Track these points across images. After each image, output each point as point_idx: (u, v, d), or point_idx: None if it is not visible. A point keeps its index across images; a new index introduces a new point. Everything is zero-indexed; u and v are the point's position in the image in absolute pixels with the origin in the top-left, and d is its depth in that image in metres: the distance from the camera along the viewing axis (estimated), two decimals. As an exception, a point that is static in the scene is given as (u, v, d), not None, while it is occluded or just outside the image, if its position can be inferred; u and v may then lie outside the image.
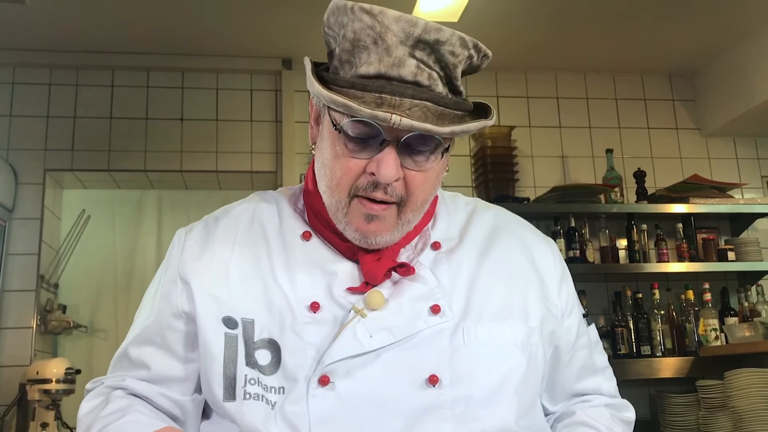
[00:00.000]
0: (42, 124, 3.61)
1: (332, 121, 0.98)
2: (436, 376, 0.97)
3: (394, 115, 0.90)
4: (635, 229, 3.62)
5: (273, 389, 0.98)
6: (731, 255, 3.64)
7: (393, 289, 1.02)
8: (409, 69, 0.93)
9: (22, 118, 3.61)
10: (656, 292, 3.53)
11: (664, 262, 3.60)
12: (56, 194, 3.78)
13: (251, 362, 1.00)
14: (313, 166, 1.08)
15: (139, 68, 3.72)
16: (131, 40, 3.54)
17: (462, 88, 1.00)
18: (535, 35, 3.59)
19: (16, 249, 3.46)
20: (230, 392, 1.00)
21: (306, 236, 1.08)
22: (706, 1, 3.29)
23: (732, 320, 3.49)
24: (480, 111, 1.03)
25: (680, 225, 3.71)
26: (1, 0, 3.04)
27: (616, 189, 3.71)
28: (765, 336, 3.17)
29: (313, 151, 1.07)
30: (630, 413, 1.18)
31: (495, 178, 3.62)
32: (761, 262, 3.66)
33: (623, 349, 3.46)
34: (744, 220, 3.86)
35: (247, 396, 0.98)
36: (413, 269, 1.03)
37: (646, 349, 3.46)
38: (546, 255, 1.15)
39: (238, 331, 1.01)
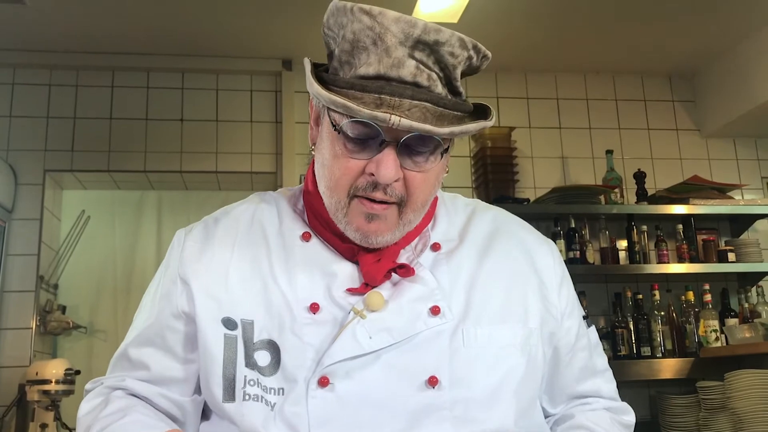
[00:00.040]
0: (42, 124, 3.61)
1: (332, 122, 0.98)
2: (436, 378, 0.97)
3: (393, 116, 0.90)
4: (635, 230, 3.62)
5: (272, 390, 0.98)
6: (731, 256, 3.64)
7: (393, 290, 1.02)
8: (408, 70, 0.93)
9: (22, 118, 3.61)
10: (656, 293, 3.53)
11: (665, 263, 3.60)
12: (56, 195, 3.78)
13: (251, 363, 1.00)
14: (313, 166, 1.08)
15: (139, 69, 3.72)
16: (131, 40, 3.54)
17: (461, 89, 1.00)
18: (535, 36, 3.59)
19: (15, 249, 3.46)
20: (230, 393, 1.00)
21: (306, 237, 1.08)
22: (706, 3, 3.29)
23: (732, 321, 3.49)
24: (480, 112, 1.03)
25: (680, 226, 3.71)
26: (1, 1, 3.04)
27: (616, 190, 3.71)
28: (765, 337, 3.17)
29: (313, 152, 1.07)
30: (630, 416, 1.18)
31: (495, 179, 3.62)
32: (761, 263, 3.66)
33: (623, 350, 3.46)
34: (744, 221, 3.86)
35: (247, 397, 0.98)
36: (413, 270, 1.03)
37: (646, 350, 3.46)
38: (546, 256, 1.15)
39: (238, 332, 1.01)
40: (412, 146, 0.96)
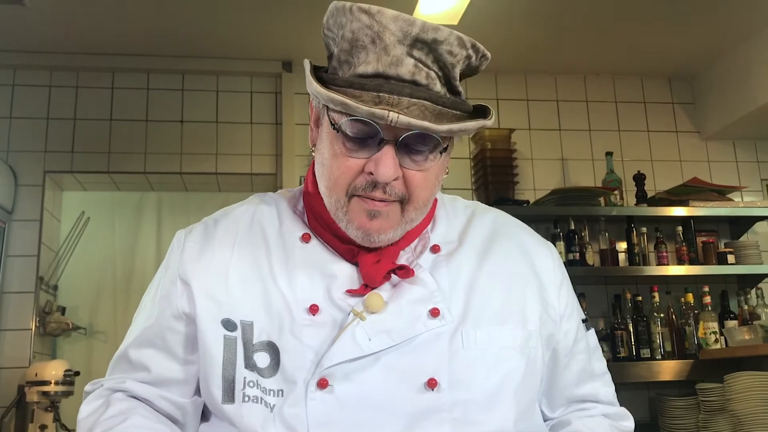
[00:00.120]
0: (42, 125, 3.62)
1: (331, 121, 0.98)
2: (435, 380, 0.97)
3: (391, 113, 0.90)
4: (635, 232, 3.62)
5: (272, 392, 0.98)
6: (731, 258, 3.64)
7: (392, 291, 1.02)
8: (407, 68, 0.94)
9: (22, 119, 3.61)
10: (656, 295, 3.53)
11: (664, 265, 3.60)
12: (56, 196, 3.78)
13: (250, 365, 1.00)
14: (313, 168, 1.08)
15: (139, 70, 3.72)
16: (131, 42, 3.55)
17: (461, 89, 1.00)
18: (535, 38, 3.60)
19: (15, 251, 3.46)
20: (229, 395, 1.00)
21: (305, 238, 1.08)
22: (706, 4, 3.29)
23: (732, 323, 3.49)
24: (479, 113, 1.03)
25: (680, 228, 3.71)
26: (1, 2, 3.04)
27: (616, 192, 3.71)
28: (765, 339, 3.17)
29: (314, 154, 1.07)
30: (628, 422, 1.17)
31: (495, 181, 3.62)
32: (761, 265, 3.66)
33: (623, 352, 3.45)
34: (744, 224, 3.86)
35: (246, 398, 0.98)
36: (413, 271, 1.03)
37: (645, 352, 3.46)
38: (545, 258, 1.15)
39: (237, 334, 1.01)
40: (411, 145, 0.96)
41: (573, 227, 3.55)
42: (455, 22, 3.19)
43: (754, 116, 3.68)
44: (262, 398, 0.98)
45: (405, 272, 1.03)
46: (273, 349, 1.00)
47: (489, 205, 1.23)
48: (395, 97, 0.93)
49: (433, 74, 0.96)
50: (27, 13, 3.17)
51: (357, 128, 0.95)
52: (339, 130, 0.96)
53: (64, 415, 3.23)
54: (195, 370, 1.06)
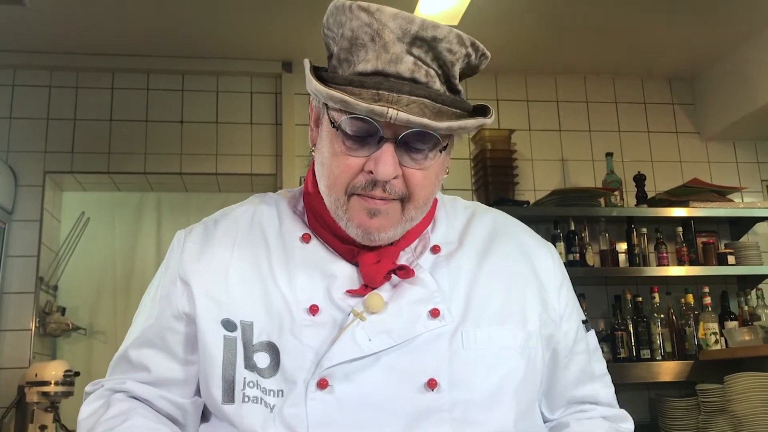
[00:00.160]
0: (42, 126, 3.62)
1: (330, 120, 0.98)
2: (435, 380, 0.97)
3: (390, 110, 0.90)
4: (635, 233, 3.62)
5: (272, 392, 0.98)
6: (731, 259, 3.64)
7: (392, 292, 1.02)
8: (406, 66, 0.94)
9: (22, 120, 3.61)
10: (656, 295, 3.53)
11: (664, 265, 3.60)
12: (56, 196, 3.78)
13: (250, 365, 1.00)
14: (314, 168, 1.08)
15: (139, 71, 3.72)
16: (131, 42, 3.55)
17: (460, 88, 1.00)
18: (535, 38, 3.60)
19: (15, 251, 3.46)
20: (229, 395, 1.00)
21: (305, 238, 1.08)
22: (706, 5, 3.29)
23: (732, 324, 3.49)
24: (479, 113, 1.03)
25: (680, 229, 3.71)
26: (1, 2, 3.04)
27: (616, 192, 3.71)
28: (765, 340, 3.17)
29: (314, 153, 1.07)
30: (628, 424, 1.17)
31: (495, 181, 3.62)
32: (761, 266, 3.66)
33: (623, 352, 3.45)
34: (744, 224, 3.86)
35: (246, 399, 0.98)
36: (413, 272, 1.03)
37: (645, 353, 3.46)
38: (545, 259, 1.15)
39: (237, 334, 1.01)
40: (410, 143, 0.96)
41: (573, 228, 3.55)
42: (455, 23, 3.19)
43: (755, 117, 3.68)
44: (262, 398, 0.98)
45: (405, 272, 1.02)
46: (273, 350, 1.00)
47: (489, 205, 1.23)
48: (395, 94, 0.93)
49: (432, 72, 0.96)
50: (27, 13, 3.17)
51: (356, 126, 0.95)
52: (339, 129, 0.96)
53: (64, 415, 3.23)
54: (195, 371, 1.06)
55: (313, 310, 1.00)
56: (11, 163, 3.52)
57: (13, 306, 3.41)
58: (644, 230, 3.64)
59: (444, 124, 0.92)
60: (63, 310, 3.72)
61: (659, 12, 3.34)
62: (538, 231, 1.22)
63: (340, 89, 0.94)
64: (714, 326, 3.43)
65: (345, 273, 1.04)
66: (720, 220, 3.82)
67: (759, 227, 3.90)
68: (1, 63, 3.59)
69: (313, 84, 0.95)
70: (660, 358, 3.47)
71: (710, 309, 3.49)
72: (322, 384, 0.95)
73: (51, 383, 3.11)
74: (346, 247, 1.04)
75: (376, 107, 0.90)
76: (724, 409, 3.09)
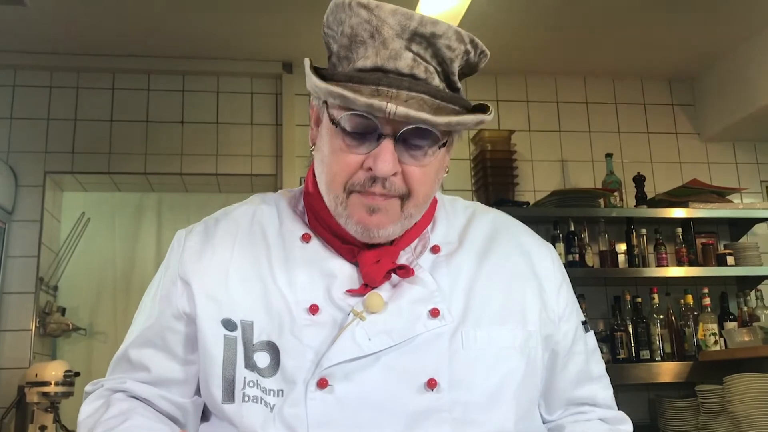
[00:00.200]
0: (42, 126, 3.62)
1: (330, 117, 0.98)
2: (435, 380, 0.97)
3: (389, 104, 0.90)
4: (634, 234, 3.62)
5: (272, 392, 0.98)
6: (730, 260, 3.64)
7: (392, 291, 1.02)
8: (405, 62, 0.94)
9: (22, 120, 3.61)
10: (655, 296, 3.53)
11: (664, 266, 3.60)
12: (56, 197, 3.78)
13: (250, 364, 1.00)
14: (314, 167, 1.08)
15: (140, 71, 3.72)
16: (132, 42, 3.55)
17: (460, 86, 1.00)
18: (535, 39, 3.60)
19: (15, 251, 3.46)
20: (229, 394, 1.00)
21: (306, 238, 1.08)
22: (706, 6, 3.29)
23: (731, 325, 3.49)
24: (479, 111, 1.03)
25: (679, 229, 3.71)
26: (1, 2, 3.04)
27: (616, 193, 3.71)
28: (764, 341, 3.17)
29: (314, 153, 1.07)
30: (626, 426, 1.16)
31: (495, 182, 3.62)
32: (760, 267, 3.66)
33: (622, 353, 3.45)
34: (743, 225, 3.86)
35: (246, 398, 0.98)
36: (413, 271, 1.03)
37: (645, 354, 3.46)
38: (545, 259, 1.15)
39: (237, 333, 1.01)
40: (409, 140, 0.96)
41: (573, 228, 3.55)
42: (455, 23, 3.19)
43: (754, 118, 3.68)
44: (262, 398, 0.98)
45: (405, 272, 1.02)
46: (273, 349, 1.00)
47: (489, 206, 1.23)
48: (394, 90, 0.93)
49: (431, 68, 0.96)
50: (27, 13, 3.17)
51: (356, 122, 0.95)
52: (338, 126, 0.97)
53: (64, 415, 3.23)
54: (195, 370, 1.06)
55: (313, 309, 1.00)
56: (11, 163, 3.53)
57: (13, 306, 3.41)
58: (644, 231, 3.64)
59: (443, 119, 0.93)
60: (63, 311, 3.73)
61: (659, 13, 3.34)
62: (537, 231, 1.22)
63: (339, 85, 0.94)
64: (713, 327, 3.43)
65: (345, 272, 1.04)
66: (719, 221, 3.82)
67: (758, 228, 3.90)
68: (1, 63, 3.59)
69: (312, 80, 0.95)
70: (659, 358, 3.47)
71: (709, 310, 3.49)
72: (322, 384, 0.95)
73: (51, 383, 3.11)
74: (347, 247, 1.05)
75: (375, 102, 0.90)
76: (724, 409, 3.09)
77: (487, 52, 1.01)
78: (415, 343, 0.99)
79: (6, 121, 3.59)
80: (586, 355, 1.16)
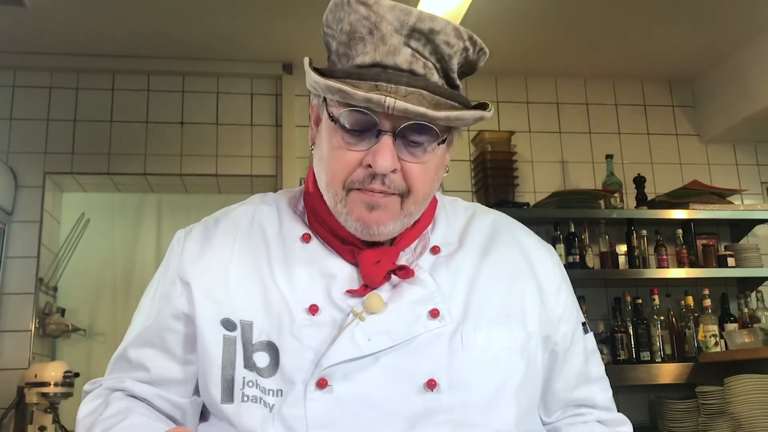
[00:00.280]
0: (42, 127, 3.62)
1: (329, 115, 0.98)
2: (435, 381, 0.97)
3: (388, 98, 0.90)
4: (635, 235, 3.62)
5: (271, 392, 0.98)
6: (731, 261, 3.64)
7: (392, 292, 1.02)
8: (404, 57, 0.94)
9: (22, 121, 3.61)
10: (656, 297, 3.53)
11: (664, 267, 3.60)
12: (56, 197, 3.78)
13: (249, 364, 0.99)
14: (314, 167, 1.08)
15: (140, 72, 3.72)
16: (132, 43, 3.55)
17: (459, 83, 1.00)
18: (535, 40, 3.60)
19: (15, 252, 3.46)
20: (228, 394, 0.99)
21: (305, 238, 1.07)
22: (706, 8, 3.29)
23: (732, 326, 3.49)
24: (478, 109, 1.03)
25: (680, 231, 3.71)
26: (1, 3, 3.04)
27: (616, 194, 3.71)
28: (765, 342, 3.17)
29: (313, 152, 1.07)
30: (625, 428, 1.15)
31: (495, 183, 3.62)
32: (761, 268, 3.65)
33: (623, 354, 3.45)
34: (744, 227, 3.86)
35: (245, 398, 0.98)
36: (412, 272, 1.03)
37: (645, 355, 3.46)
38: (544, 260, 1.14)
39: (237, 333, 1.01)
40: (408, 136, 0.96)
41: (573, 230, 3.55)
42: (456, 25, 3.19)
43: (754, 119, 3.68)
44: (261, 398, 0.98)
45: (405, 273, 1.02)
46: (272, 349, 0.99)
47: (489, 207, 1.23)
48: (393, 85, 0.93)
49: (430, 65, 0.96)
50: (27, 14, 3.17)
51: (355, 118, 0.95)
52: (337, 123, 0.97)
53: (64, 416, 3.22)
54: (194, 370, 1.06)
55: (313, 309, 1.00)
56: (11, 164, 3.53)
57: (13, 307, 3.41)
58: (644, 232, 3.64)
59: (442, 114, 0.93)
60: (63, 311, 3.72)
61: (659, 14, 3.34)
62: (538, 233, 1.22)
63: (338, 81, 0.94)
64: (714, 328, 3.43)
65: (345, 273, 1.04)
66: (720, 222, 3.82)
67: (759, 229, 3.90)
68: (1, 64, 3.59)
69: (311, 76, 0.95)
70: (660, 360, 3.47)
71: (710, 311, 3.49)
72: (322, 384, 0.95)
73: (50, 384, 3.11)
74: (347, 247, 1.04)
75: (374, 96, 0.90)
76: (724, 411, 3.09)
77: (486, 50, 1.01)
78: (415, 344, 0.99)
79: (6, 121, 3.59)
80: (585, 356, 1.15)
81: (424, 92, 0.94)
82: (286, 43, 3.57)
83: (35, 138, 3.60)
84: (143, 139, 3.67)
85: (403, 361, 0.97)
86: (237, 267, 1.05)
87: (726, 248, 3.77)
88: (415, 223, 1.07)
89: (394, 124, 0.94)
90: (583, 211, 3.58)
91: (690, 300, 3.55)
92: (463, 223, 1.15)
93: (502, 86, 3.94)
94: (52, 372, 3.13)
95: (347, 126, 0.96)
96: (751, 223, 3.82)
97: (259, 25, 3.38)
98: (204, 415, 1.09)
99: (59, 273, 3.78)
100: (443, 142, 1.00)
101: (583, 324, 1.17)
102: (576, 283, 1.21)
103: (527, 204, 3.62)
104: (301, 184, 1.19)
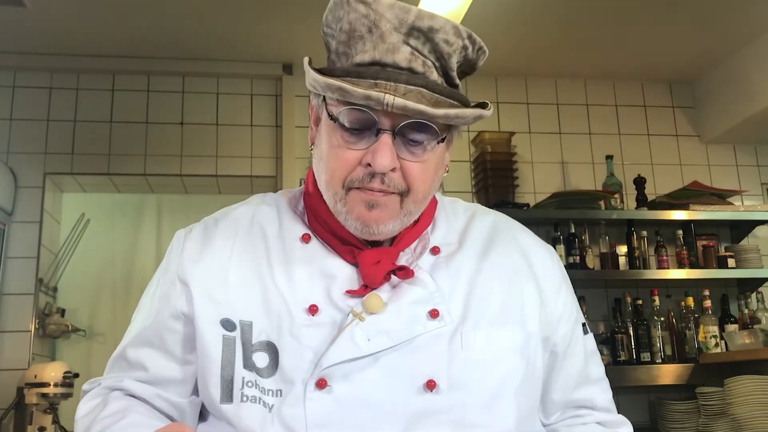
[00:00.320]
0: (42, 127, 3.62)
1: (329, 113, 0.98)
2: (434, 381, 0.96)
3: (387, 95, 0.90)
4: (635, 236, 3.62)
5: (270, 392, 0.97)
6: (731, 262, 3.64)
7: (392, 292, 1.02)
8: (403, 55, 0.94)
9: (22, 121, 3.61)
10: (656, 298, 3.53)
11: (664, 268, 3.60)
12: (56, 198, 3.78)
13: (249, 365, 0.99)
14: (313, 167, 1.08)
15: (140, 72, 3.72)
16: (132, 44, 3.55)
17: (458, 82, 1.00)
18: (535, 42, 3.60)
19: (15, 252, 3.46)
20: (227, 394, 0.99)
21: (305, 239, 1.07)
22: (706, 9, 3.29)
23: (732, 327, 3.48)
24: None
25: (680, 232, 3.71)
26: (1, 3, 3.04)
27: (616, 195, 3.71)
28: (765, 343, 3.17)
29: (312, 152, 1.07)
30: (625, 429, 1.14)
31: (495, 184, 3.62)
32: (761, 269, 3.66)
33: (623, 355, 3.45)
34: (744, 228, 3.86)
35: (245, 398, 0.98)
36: (412, 272, 1.02)
37: (645, 356, 3.45)
38: (544, 260, 1.14)
39: (236, 334, 1.01)
40: (408, 134, 0.96)
41: (573, 230, 3.55)
42: (456, 25, 3.19)
43: (755, 120, 3.68)
44: (260, 398, 0.97)
45: (405, 273, 1.02)
46: (272, 349, 0.99)
47: (489, 208, 1.23)
48: (392, 83, 0.93)
49: (429, 63, 0.96)
50: (27, 14, 3.17)
51: (354, 117, 0.95)
52: (336, 121, 0.97)
53: (64, 417, 3.22)
54: (193, 370, 1.06)
55: (313, 310, 1.00)
56: (11, 164, 3.53)
57: (13, 307, 3.41)
58: (644, 233, 3.64)
59: (441, 111, 0.92)
60: (62, 312, 3.72)
61: (659, 15, 3.34)
62: (538, 233, 1.22)
63: (337, 79, 0.94)
64: (714, 329, 3.43)
65: (345, 273, 1.04)
66: (720, 223, 3.82)
67: (759, 230, 3.90)
68: (1, 64, 3.59)
69: (311, 75, 0.95)
70: (660, 361, 3.46)
71: (710, 312, 3.49)
72: (321, 384, 0.95)
73: (50, 385, 3.11)
74: (346, 248, 1.04)
75: (373, 93, 0.90)
76: (724, 412, 3.09)
77: (486, 48, 1.01)
78: (415, 344, 0.98)
79: (6, 122, 3.59)
80: (585, 357, 1.14)
81: (424, 90, 0.94)
82: (286, 43, 3.57)
83: (35, 138, 3.60)
84: (143, 139, 3.67)
85: (403, 361, 0.97)
86: (237, 267, 1.05)
87: (726, 249, 3.77)
88: (415, 224, 1.07)
89: (394, 123, 0.94)
90: (584, 211, 3.58)
91: (690, 301, 3.55)
92: (463, 224, 1.14)
93: (502, 87, 3.94)
94: (52, 372, 3.13)
95: (346, 124, 0.96)
96: (752, 224, 3.81)
97: (259, 25, 3.38)
98: (203, 415, 1.09)
99: (59, 273, 3.78)
100: (443, 140, 1.00)
101: (583, 325, 1.17)
102: (576, 284, 1.21)
103: (527, 205, 3.62)
104: (301, 185, 1.19)
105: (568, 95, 4.01)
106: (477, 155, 3.75)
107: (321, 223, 1.07)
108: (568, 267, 3.21)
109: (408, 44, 0.95)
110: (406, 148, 0.97)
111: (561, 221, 3.56)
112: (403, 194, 0.99)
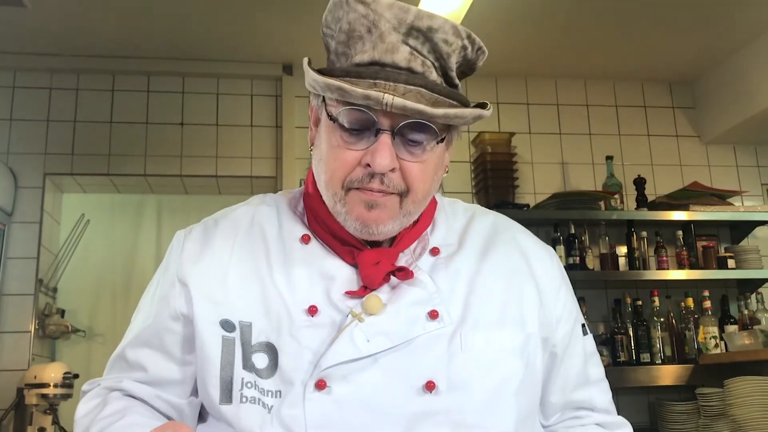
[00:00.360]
0: (42, 127, 3.62)
1: (328, 114, 0.98)
2: (433, 382, 0.96)
3: (386, 95, 0.90)
4: (635, 236, 3.62)
5: (270, 393, 0.97)
6: (731, 263, 3.64)
7: (391, 293, 1.02)
8: (402, 55, 0.94)
9: (22, 121, 3.61)
10: (656, 299, 3.53)
11: (664, 269, 3.60)
12: (56, 198, 3.78)
13: (248, 365, 0.99)
14: (313, 167, 1.08)
15: (140, 73, 3.72)
16: (132, 44, 3.55)
17: (457, 82, 1.00)
18: (535, 42, 3.60)
19: (14, 253, 3.46)
20: (227, 395, 0.99)
21: (305, 239, 1.07)
22: (707, 10, 3.29)
23: (732, 328, 3.48)
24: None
25: (680, 232, 3.71)
26: (1, 3, 3.04)
27: (616, 196, 3.71)
28: (765, 344, 3.16)
29: (312, 152, 1.07)
30: (625, 431, 1.14)
31: (495, 185, 3.62)
32: (761, 270, 3.65)
33: (623, 356, 3.45)
34: (744, 228, 3.86)
35: (244, 399, 0.98)
36: (412, 273, 1.02)
37: (645, 357, 3.45)
38: (544, 261, 1.14)
39: (236, 334, 1.01)
40: (407, 135, 0.96)
41: (573, 231, 3.55)
42: (456, 26, 3.19)
43: (755, 120, 3.68)
44: (259, 399, 0.97)
45: (404, 274, 1.02)
46: (271, 350, 0.99)
47: (489, 208, 1.22)
48: (391, 83, 0.93)
49: (428, 63, 0.96)
50: (27, 14, 3.17)
51: (353, 117, 0.95)
52: (336, 121, 0.97)
53: (63, 417, 3.22)
54: (192, 371, 1.06)
55: (312, 311, 1.00)
56: (11, 164, 3.53)
57: (13, 308, 3.41)
58: (644, 234, 3.64)
59: (440, 111, 0.92)
60: (62, 312, 3.72)
61: (659, 15, 3.34)
62: (538, 234, 1.22)
63: (337, 79, 0.94)
64: (714, 330, 3.43)
65: (344, 274, 1.04)
66: (720, 223, 3.82)
67: (759, 231, 3.89)
68: (1, 65, 3.59)
69: (310, 75, 0.95)
70: (660, 362, 3.46)
71: (710, 313, 3.48)
72: (320, 385, 0.95)
73: (50, 385, 3.11)
74: (346, 249, 1.04)
75: (372, 93, 0.90)
76: (724, 413, 3.08)
77: (485, 49, 1.01)
78: (414, 345, 0.98)
79: (6, 122, 3.59)
80: (584, 358, 1.14)
81: (423, 90, 0.94)
82: (286, 43, 3.57)
83: (35, 139, 3.60)
84: (143, 140, 3.67)
85: (402, 362, 0.97)
86: (236, 268, 1.05)
87: (726, 250, 3.77)
88: (414, 224, 1.07)
89: (393, 123, 0.94)
90: (583, 212, 3.58)
91: (690, 302, 3.55)
92: (463, 225, 1.14)
93: (502, 87, 3.94)
94: (52, 373, 3.13)
95: (346, 125, 0.96)
96: (752, 225, 3.81)
97: (259, 25, 3.38)
98: (202, 416, 1.08)
99: (59, 274, 3.78)
100: (442, 140, 1.00)
101: (583, 325, 1.16)
102: (576, 285, 1.21)
103: (527, 205, 3.62)
104: (300, 186, 1.19)
105: (568, 96, 4.02)
106: (477, 156, 3.75)
107: (320, 223, 1.07)
108: (568, 268, 3.22)
109: (407, 44, 0.95)
110: (406, 148, 0.97)
111: (561, 222, 3.56)
112: (403, 195, 0.99)
